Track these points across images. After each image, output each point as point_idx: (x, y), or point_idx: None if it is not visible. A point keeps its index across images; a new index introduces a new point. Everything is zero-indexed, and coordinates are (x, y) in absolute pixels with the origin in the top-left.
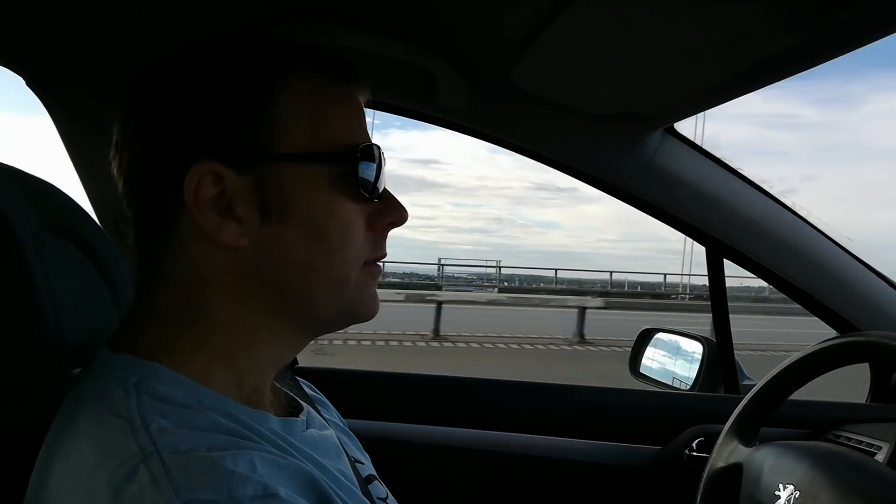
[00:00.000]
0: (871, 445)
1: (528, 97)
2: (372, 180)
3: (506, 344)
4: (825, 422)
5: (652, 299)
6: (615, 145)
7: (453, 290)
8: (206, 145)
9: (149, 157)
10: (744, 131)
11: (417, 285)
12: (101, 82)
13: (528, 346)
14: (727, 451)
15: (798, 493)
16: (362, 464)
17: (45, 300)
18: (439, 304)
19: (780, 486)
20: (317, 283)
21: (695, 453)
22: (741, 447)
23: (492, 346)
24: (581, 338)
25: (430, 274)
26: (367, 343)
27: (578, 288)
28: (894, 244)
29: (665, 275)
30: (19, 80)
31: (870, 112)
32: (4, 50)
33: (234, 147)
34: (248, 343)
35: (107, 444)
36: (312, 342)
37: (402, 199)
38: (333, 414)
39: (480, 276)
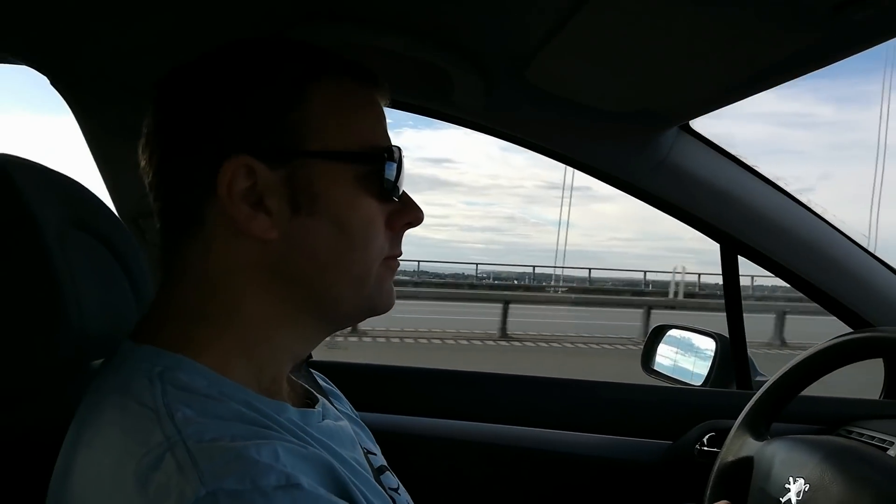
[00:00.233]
0: (884, 441)
1: (544, 95)
2: (394, 180)
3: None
4: (837, 418)
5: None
6: (631, 143)
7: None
8: (239, 141)
9: (183, 150)
10: (759, 130)
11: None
12: (124, 81)
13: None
14: (738, 445)
15: (808, 486)
16: (374, 455)
17: (70, 295)
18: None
19: (791, 479)
20: (339, 277)
21: (706, 448)
22: (752, 441)
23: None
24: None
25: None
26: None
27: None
28: None
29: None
30: (43, 80)
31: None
32: (30, 50)
33: (267, 143)
34: (269, 335)
35: (132, 433)
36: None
37: (416, 198)
38: (346, 406)
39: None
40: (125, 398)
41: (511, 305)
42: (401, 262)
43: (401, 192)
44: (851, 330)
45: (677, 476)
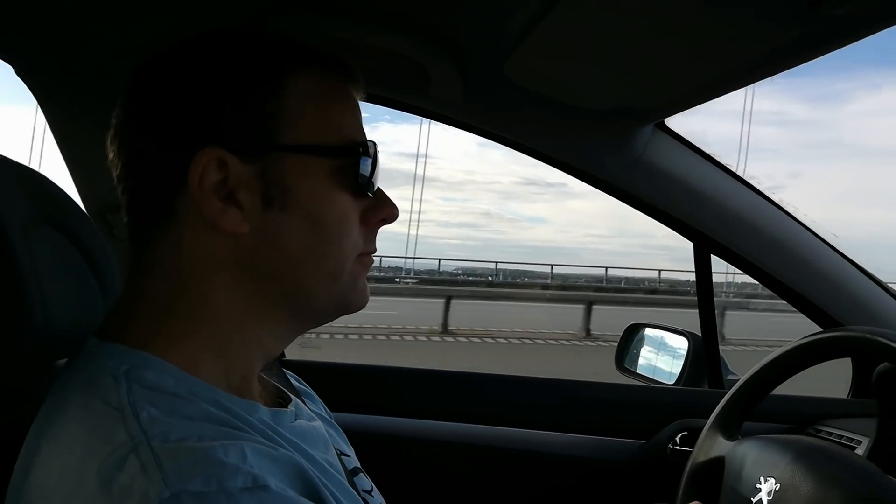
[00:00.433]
0: (851, 440)
1: (521, 91)
2: (368, 175)
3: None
4: (807, 417)
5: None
6: (606, 140)
7: None
8: (211, 133)
9: (153, 142)
10: (732, 127)
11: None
12: (92, 74)
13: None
14: (710, 445)
15: (779, 485)
16: (348, 456)
17: (34, 290)
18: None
19: (762, 479)
20: (312, 273)
21: (678, 447)
22: (724, 441)
23: None
24: None
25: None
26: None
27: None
28: (875, 241)
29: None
30: (8, 69)
31: (855, 110)
32: None
33: (240, 136)
34: (240, 332)
35: (96, 433)
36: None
37: (392, 194)
38: (320, 406)
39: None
40: (90, 397)
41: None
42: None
43: (376, 187)
44: (821, 329)
45: (650, 475)
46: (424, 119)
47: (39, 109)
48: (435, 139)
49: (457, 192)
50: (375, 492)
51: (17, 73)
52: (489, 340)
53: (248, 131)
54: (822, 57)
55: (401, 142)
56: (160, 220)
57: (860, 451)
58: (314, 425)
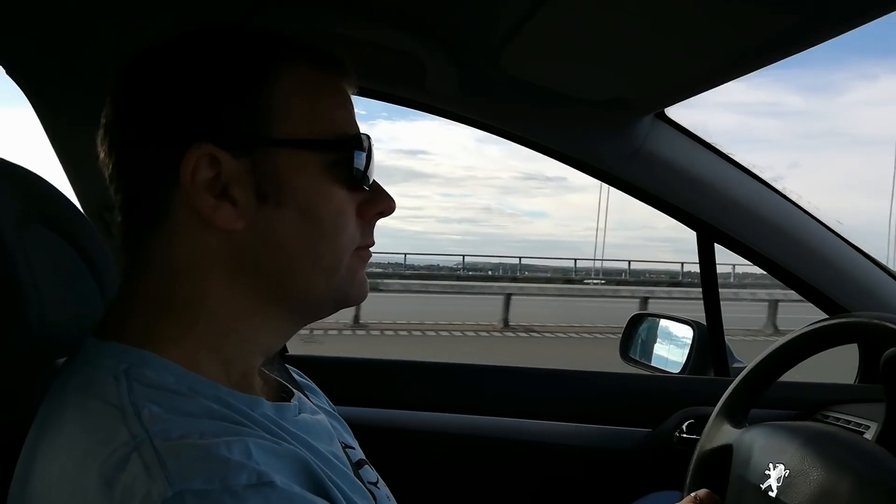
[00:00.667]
0: (860, 425)
1: (518, 83)
2: (363, 169)
3: None
4: (814, 403)
5: None
6: (606, 131)
7: None
8: (202, 129)
9: (143, 140)
10: (730, 119)
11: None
12: (82, 70)
13: None
14: (717, 433)
15: (788, 471)
16: (353, 449)
17: (29, 290)
18: None
19: (771, 465)
20: (308, 268)
21: (685, 435)
22: (731, 429)
23: None
24: None
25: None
26: None
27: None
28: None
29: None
30: None
31: (850, 100)
32: None
33: (231, 132)
34: (238, 329)
35: (97, 433)
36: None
37: (391, 190)
38: (323, 400)
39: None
40: (89, 397)
41: None
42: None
43: (371, 180)
44: (827, 316)
45: (657, 464)
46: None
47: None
48: (433, 135)
49: (456, 187)
50: (381, 483)
51: (7, 72)
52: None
53: (240, 126)
54: (816, 47)
55: (398, 139)
56: (154, 218)
57: (868, 435)
58: (318, 418)
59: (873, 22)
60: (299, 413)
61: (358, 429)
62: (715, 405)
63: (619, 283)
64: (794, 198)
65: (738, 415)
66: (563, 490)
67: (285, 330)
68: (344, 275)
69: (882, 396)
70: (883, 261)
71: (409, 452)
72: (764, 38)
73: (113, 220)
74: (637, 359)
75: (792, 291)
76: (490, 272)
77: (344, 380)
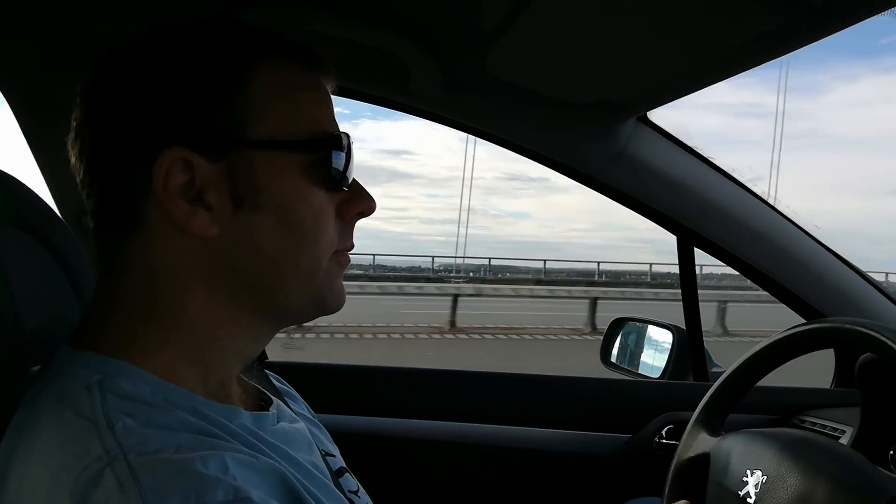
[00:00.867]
0: (836, 430)
1: (502, 86)
2: (342, 169)
3: None
4: (791, 407)
5: None
6: (589, 134)
7: None
8: (175, 132)
9: (114, 143)
10: (713, 120)
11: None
12: (58, 69)
13: None
14: (694, 442)
15: (765, 477)
16: (333, 456)
17: (3, 297)
18: None
19: (748, 472)
20: (287, 273)
21: (664, 441)
22: (708, 437)
23: None
24: None
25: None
26: None
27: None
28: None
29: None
30: None
31: (832, 101)
32: None
33: (205, 134)
34: (216, 336)
35: (70, 446)
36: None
37: (374, 191)
38: (303, 407)
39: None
40: (62, 408)
41: None
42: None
43: (351, 180)
44: (804, 321)
45: (637, 469)
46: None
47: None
48: (417, 135)
49: (440, 188)
50: (362, 492)
51: None
52: None
53: (214, 129)
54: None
55: (383, 139)
56: (128, 224)
57: (844, 440)
58: (297, 427)
59: None
60: (278, 422)
61: (338, 436)
62: (694, 410)
63: (591, 283)
64: (773, 202)
65: (715, 423)
66: (543, 496)
67: (264, 336)
68: (322, 279)
69: (857, 401)
70: (859, 263)
71: (390, 460)
72: (748, 40)
73: (89, 224)
74: (617, 363)
75: (740, 292)
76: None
77: (324, 387)
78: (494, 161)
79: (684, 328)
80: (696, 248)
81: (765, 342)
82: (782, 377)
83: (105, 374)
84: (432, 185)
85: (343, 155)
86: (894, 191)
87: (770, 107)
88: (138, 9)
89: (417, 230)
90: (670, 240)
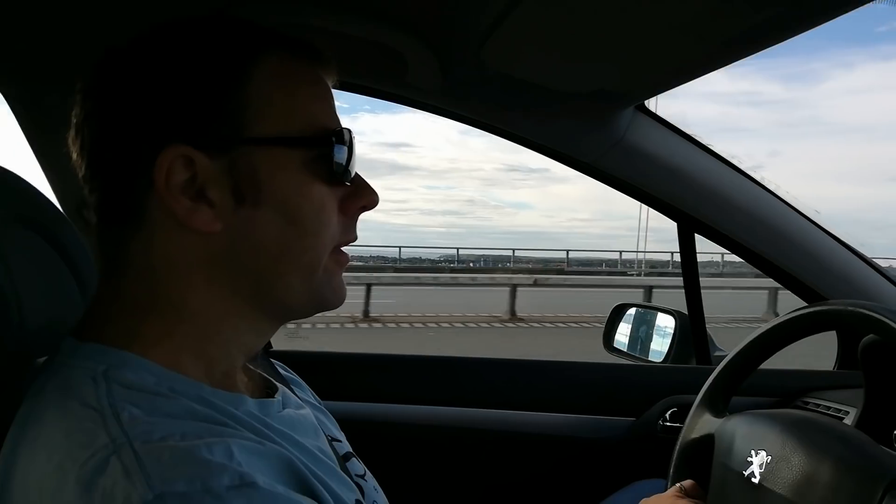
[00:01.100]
0: (839, 411)
1: (500, 76)
2: (344, 163)
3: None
4: (794, 390)
5: None
6: (587, 123)
7: None
8: (175, 129)
9: (115, 141)
10: (711, 109)
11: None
12: (58, 66)
13: None
14: (699, 423)
15: (770, 458)
16: (339, 442)
17: (7, 292)
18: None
19: (753, 452)
20: (289, 269)
21: (668, 423)
22: (712, 418)
23: None
24: None
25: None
26: None
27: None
28: (853, 217)
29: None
30: None
31: (830, 89)
32: None
33: (206, 131)
34: (218, 330)
35: (75, 436)
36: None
37: (375, 184)
38: (308, 393)
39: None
40: (67, 399)
41: None
42: None
43: (353, 174)
44: (806, 304)
45: (641, 452)
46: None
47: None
48: (416, 128)
49: (440, 180)
50: (369, 476)
51: None
52: None
53: (214, 126)
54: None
55: (382, 132)
56: (131, 220)
57: (847, 421)
58: (303, 413)
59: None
60: (283, 408)
61: (344, 423)
62: (697, 393)
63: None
64: (772, 187)
65: (719, 404)
66: (548, 479)
67: (266, 330)
68: (321, 277)
69: (860, 382)
70: (860, 249)
71: (396, 445)
72: (746, 28)
73: (91, 219)
74: (620, 349)
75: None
76: (471, 264)
77: (329, 374)
78: (493, 152)
79: (686, 313)
80: (696, 235)
81: (768, 324)
82: (784, 361)
83: (110, 364)
84: (432, 177)
85: (345, 149)
86: (894, 177)
87: (767, 95)
88: (138, 8)
89: (418, 221)
90: (670, 228)
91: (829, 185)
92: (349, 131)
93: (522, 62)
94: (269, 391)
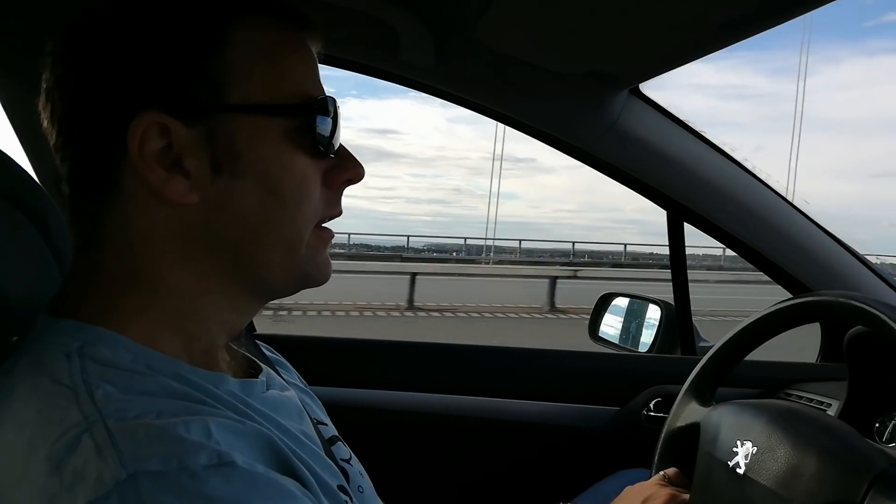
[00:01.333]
0: (822, 403)
1: (494, 55)
2: (328, 135)
3: None
4: (778, 381)
5: None
6: (581, 106)
7: None
8: (150, 95)
9: (86, 106)
10: (699, 101)
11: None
12: (30, 29)
13: None
14: (685, 411)
15: (756, 448)
16: (325, 425)
17: None
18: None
19: (738, 442)
20: (269, 243)
21: (652, 413)
22: (698, 407)
23: None
24: None
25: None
26: None
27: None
28: (840, 214)
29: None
30: None
31: (816, 83)
32: None
33: (182, 97)
34: (197, 306)
35: (47, 413)
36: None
37: None
38: (294, 376)
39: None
40: (39, 376)
41: None
42: None
43: (337, 146)
44: (792, 296)
45: (625, 442)
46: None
47: None
48: (403, 114)
49: (427, 168)
50: (354, 460)
51: None
52: None
53: (191, 91)
54: (782, 27)
55: (369, 117)
56: (104, 191)
57: (830, 412)
58: (287, 395)
59: (838, 2)
60: (267, 389)
61: (331, 408)
62: (682, 384)
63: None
64: (763, 177)
65: (705, 393)
66: (533, 468)
67: (248, 308)
68: (304, 253)
69: (844, 375)
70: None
71: (382, 431)
72: (740, 11)
73: (65, 191)
74: (605, 338)
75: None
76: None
77: (316, 359)
78: (481, 141)
79: (672, 303)
80: (685, 224)
81: (755, 315)
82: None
83: (85, 341)
84: (419, 165)
85: (329, 120)
86: (879, 173)
87: (754, 88)
88: None
89: (404, 210)
90: (656, 220)
91: (814, 180)
92: (334, 101)
93: (517, 40)
94: (254, 372)
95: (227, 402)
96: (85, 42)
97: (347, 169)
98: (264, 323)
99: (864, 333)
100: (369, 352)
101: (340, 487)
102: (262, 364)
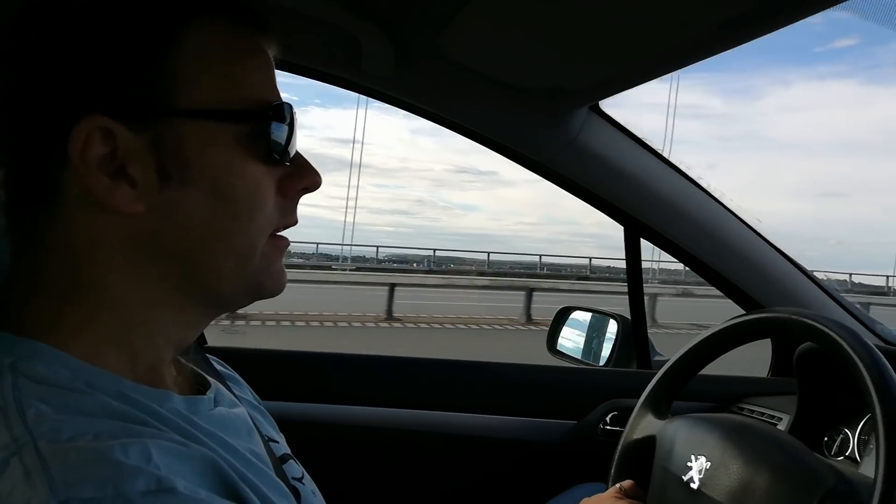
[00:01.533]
0: (773, 417)
1: (456, 67)
2: (283, 142)
3: None
4: (730, 396)
5: None
6: (541, 121)
7: None
8: (93, 98)
9: (25, 108)
10: (655, 119)
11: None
12: None
13: None
14: (641, 424)
15: (709, 463)
16: (277, 443)
17: None
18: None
19: (692, 457)
20: (220, 253)
21: (609, 427)
22: (654, 420)
23: None
24: None
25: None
26: None
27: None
28: (786, 231)
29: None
30: None
31: (767, 105)
32: None
33: (128, 101)
34: (143, 319)
35: None
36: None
37: (323, 180)
38: (247, 392)
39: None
40: None
41: None
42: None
43: (293, 153)
44: (744, 312)
45: (582, 455)
46: (359, 104)
47: None
48: (367, 125)
49: (390, 178)
50: (307, 478)
51: None
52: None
53: (137, 95)
54: (737, 50)
55: (332, 127)
56: (44, 198)
57: (781, 426)
58: (236, 412)
59: (791, 28)
60: (215, 406)
61: (284, 424)
62: (638, 397)
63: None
64: (717, 195)
65: (661, 406)
66: (490, 482)
67: (196, 321)
68: (258, 263)
69: (794, 389)
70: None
71: (335, 446)
72: (699, 31)
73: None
74: (564, 352)
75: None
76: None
77: (268, 373)
78: (443, 153)
79: (629, 317)
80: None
81: (709, 331)
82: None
83: (19, 356)
84: (381, 175)
85: (285, 127)
86: (824, 193)
87: (709, 108)
88: None
89: (366, 220)
90: (612, 235)
91: (763, 199)
92: (290, 106)
93: (479, 54)
94: (202, 388)
95: (172, 422)
96: (24, 38)
97: (303, 177)
98: (215, 334)
99: (814, 349)
100: (325, 365)
101: None
102: (210, 379)
